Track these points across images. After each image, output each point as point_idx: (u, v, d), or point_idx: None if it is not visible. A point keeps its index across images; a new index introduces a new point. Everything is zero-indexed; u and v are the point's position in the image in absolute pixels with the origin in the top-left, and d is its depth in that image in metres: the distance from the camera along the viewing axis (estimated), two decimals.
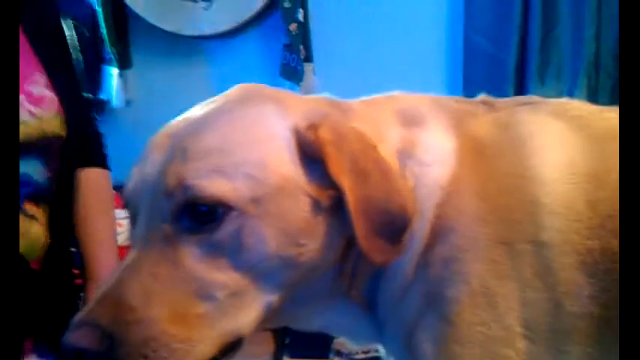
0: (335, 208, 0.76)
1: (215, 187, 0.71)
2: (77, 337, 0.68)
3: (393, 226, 0.75)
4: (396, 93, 0.90)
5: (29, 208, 1.19)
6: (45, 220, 1.22)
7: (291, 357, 2.10)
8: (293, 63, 2.63)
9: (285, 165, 0.74)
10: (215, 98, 0.82)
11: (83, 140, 1.33)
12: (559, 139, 0.80)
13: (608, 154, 0.77)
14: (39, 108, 1.18)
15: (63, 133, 1.23)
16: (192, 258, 0.72)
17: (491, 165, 0.79)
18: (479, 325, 0.75)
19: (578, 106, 0.87)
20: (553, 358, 0.75)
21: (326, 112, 0.79)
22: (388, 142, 0.81)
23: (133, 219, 0.78)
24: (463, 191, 0.78)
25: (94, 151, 1.44)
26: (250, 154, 0.74)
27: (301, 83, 2.61)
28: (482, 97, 0.90)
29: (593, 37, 2.50)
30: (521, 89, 2.49)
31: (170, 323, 0.70)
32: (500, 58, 2.57)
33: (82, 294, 1.46)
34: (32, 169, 1.18)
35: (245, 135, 0.76)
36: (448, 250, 0.77)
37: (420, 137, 0.82)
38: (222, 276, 0.72)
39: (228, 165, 0.72)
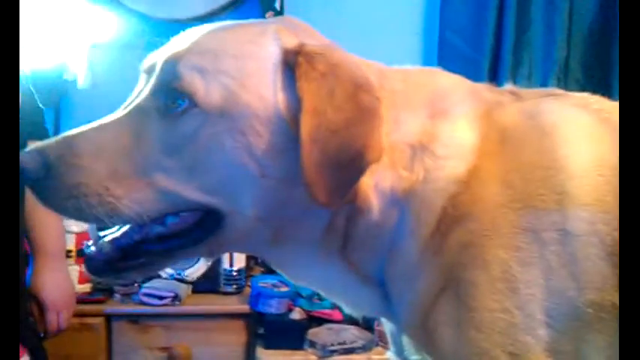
0: None
1: (190, 80, 0.77)
2: (25, 157, 0.76)
3: (347, 167, 0.75)
4: (437, 70, 0.90)
5: None
6: None
7: (265, 347, 2.05)
8: None
9: (266, 87, 0.77)
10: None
11: (22, 114, 1.38)
12: (586, 131, 0.81)
13: None
14: None
15: None
16: (152, 137, 0.77)
17: (517, 155, 0.80)
18: (500, 312, 0.75)
19: (598, 100, 0.89)
20: (574, 346, 0.75)
21: (335, 48, 0.80)
22: (404, 130, 0.81)
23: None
24: (483, 180, 0.78)
25: (34, 125, 1.57)
26: (236, 68, 0.78)
27: None
28: (509, 86, 0.91)
29: (565, 43, 2.58)
30: None
31: (109, 179, 0.76)
32: (475, 58, 2.62)
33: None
34: None
35: (238, 48, 0.79)
36: (465, 235, 0.77)
37: (441, 130, 0.82)
38: (171, 164, 0.76)
39: (213, 69, 0.77)
